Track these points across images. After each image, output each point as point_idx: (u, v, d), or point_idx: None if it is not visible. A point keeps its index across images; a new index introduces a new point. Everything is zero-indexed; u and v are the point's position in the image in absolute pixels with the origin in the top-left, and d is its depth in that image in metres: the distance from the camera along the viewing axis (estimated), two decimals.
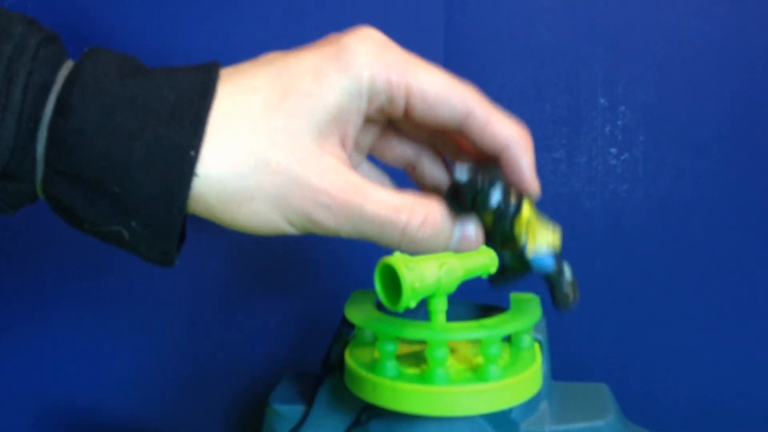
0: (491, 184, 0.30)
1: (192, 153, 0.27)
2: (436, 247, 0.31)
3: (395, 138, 0.35)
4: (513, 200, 0.31)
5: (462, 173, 0.31)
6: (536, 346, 0.37)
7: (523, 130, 0.32)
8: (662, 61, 0.55)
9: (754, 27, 0.54)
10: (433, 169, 0.35)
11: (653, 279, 0.57)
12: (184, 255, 0.60)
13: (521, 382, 0.33)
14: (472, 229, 0.31)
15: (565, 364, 0.46)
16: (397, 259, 0.31)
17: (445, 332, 0.32)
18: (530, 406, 0.36)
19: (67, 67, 0.28)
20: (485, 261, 0.34)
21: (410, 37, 0.56)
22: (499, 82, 0.56)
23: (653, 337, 0.57)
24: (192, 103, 0.28)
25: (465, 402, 0.32)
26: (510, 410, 0.35)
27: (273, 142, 0.28)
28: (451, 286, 0.32)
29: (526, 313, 0.35)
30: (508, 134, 0.32)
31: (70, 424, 0.61)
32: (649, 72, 0.56)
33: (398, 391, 0.32)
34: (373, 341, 0.36)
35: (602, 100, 0.56)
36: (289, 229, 0.29)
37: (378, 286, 0.31)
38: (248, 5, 0.56)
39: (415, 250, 0.30)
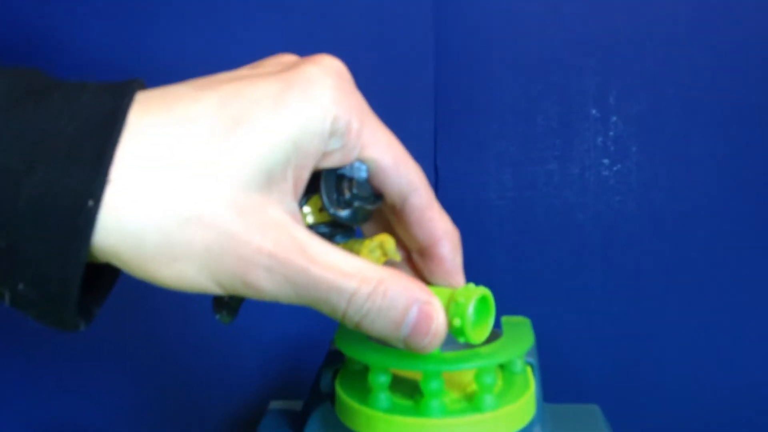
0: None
1: (90, 203, 0.22)
2: (384, 325, 0.26)
3: None
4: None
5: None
6: (528, 370, 0.36)
7: (455, 228, 0.31)
8: (654, 71, 0.55)
9: (747, 37, 0.54)
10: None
11: (647, 292, 0.56)
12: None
13: (516, 410, 0.32)
14: (435, 311, 0.27)
15: (556, 384, 0.45)
16: (476, 289, 0.30)
17: (440, 363, 0.31)
18: (524, 431, 0.35)
19: None
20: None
21: (400, 50, 0.56)
22: (490, 94, 0.56)
23: (647, 353, 0.57)
24: (94, 137, 0.22)
25: None
26: None
27: (208, 187, 0.23)
28: None
29: (519, 338, 0.34)
30: (445, 228, 0.31)
31: None
32: (640, 83, 0.55)
33: (392, 424, 0.31)
34: (365, 370, 0.35)
35: (594, 112, 0.56)
36: (216, 290, 0.25)
37: (470, 322, 0.29)
38: (237, 2, 0.55)
39: (359, 324, 0.26)
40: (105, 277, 0.26)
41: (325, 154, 0.27)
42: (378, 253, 0.31)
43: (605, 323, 0.57)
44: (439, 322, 0.27)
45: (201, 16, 0.55)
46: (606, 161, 0.56)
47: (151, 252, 0.23)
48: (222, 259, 0.24)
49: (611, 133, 0.56)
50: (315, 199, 0.29)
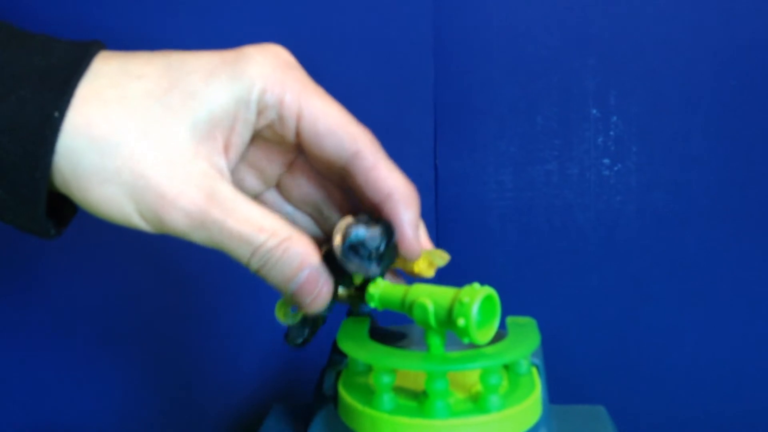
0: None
1: (56, 114, 0.26)
2: (277, 277, 0.29)
3: (302, 176, 0.34)
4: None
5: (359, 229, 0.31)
6: (534, 370, 0.36)
7: (410, 185, 0.31)
8: (654, 70, 0.55)
9: (747, 37, 0.54)
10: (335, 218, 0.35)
11: (649, 292, 0.56)
12: (165, 283, 0.58)
13: (523, 411, 0.32)
14: (322, 279, 0.30)
15: (559, 385, 0.44)
16: (481, 288, 0.29)
17: (444, 363, 0.30)
18: None
19: None
20: None
21: (400, 51, 0.55)
22: (490, 95, 0.56)
23: (649, 353, 0.56)
24: (63, 70, 0.27)
25: None
26: None
27: (144, 130, 0.27)
28: None
29: (525, 338, 0.34)
30: (393, 184, 0.31)
31: None
32: (640, 82, 0.55)
33: (397, 425, 0.30)
34: (368, 371, 0.34)
35: (594, 111, 0.55)
36: (140, 224, 0.28)
37: (474, 322, 0.29)
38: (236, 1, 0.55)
39: (258, 271, 0.29)
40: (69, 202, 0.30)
41: (263, 124, 0.30)
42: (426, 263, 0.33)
43: (606, 323, 0.56)
44: (322, 290, 0.30)
45: (197, 12, 0.55)
46: (606, 161, 0.56)
47: (87, 170, 0.27)
48: (145, 194, 0.27)
49: (611, 133, 0.55)
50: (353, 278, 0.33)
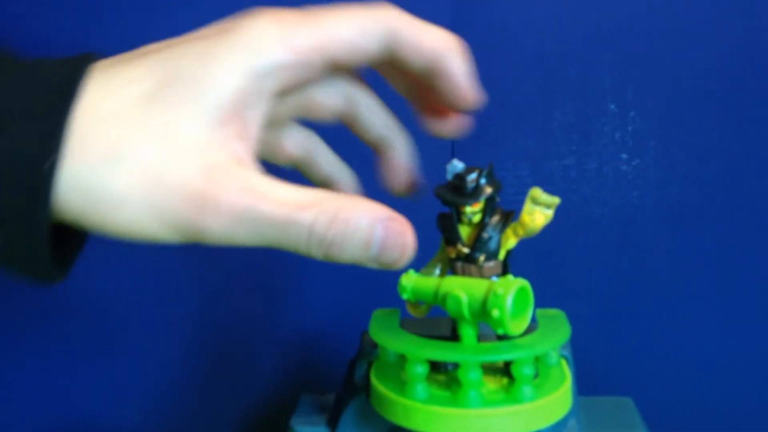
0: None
1: (47, 166, 0.24)
2: (353, 251, 0.26)
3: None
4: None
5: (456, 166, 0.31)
6: (563, 362, 0.36)
7: (450, 36, 0.30)
8: (671, 65, 0.55)
9: (764, 32, 0.54)
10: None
11: (667, 287, 0.56)
12: (190, 270, 0.58)
13: (554, 401, 0.32)
14: (401, 225, 0.27)
15: (584, 377, 0.45)
16: (515, 280, 0.30)
17: (478, 354, 0.31)
18: (560, 424, 0.35)
19: None
20: None
21: None
22: (506, 89, 0.56)
23: (667, 347, 0.57)
24: (51, 106, 0.24)
25: (499, 424, 0.31)
26: (540, 430, 0.34)
27: (144, 136, 0.25)
28: None
29: (556, 330, 0.34)
30: (435, 42, 0.30)
31: None
32: (658, 77, 0.55)
33: (431, 414, 0.31)
34: (400, 361, 0.35)
35: (612, 106, 0.55)
36: (172, 238, 0.25)
37: (509, 313, 0.29)
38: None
39: (327, 255, 0.26)
40: (78, 232, 0.28)
41: (290, 83, 0.28)
42: (539, 209, 0.31)
43: (624, 318, 0.57)
44: (406, 235, 0.27)
45: (204, 12, 0.55)
46: (624, 156, 0.56)
47: (100, 196, 0.24)
48: (165, 205, 0.25)
49: (629, 128, 0.56)
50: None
